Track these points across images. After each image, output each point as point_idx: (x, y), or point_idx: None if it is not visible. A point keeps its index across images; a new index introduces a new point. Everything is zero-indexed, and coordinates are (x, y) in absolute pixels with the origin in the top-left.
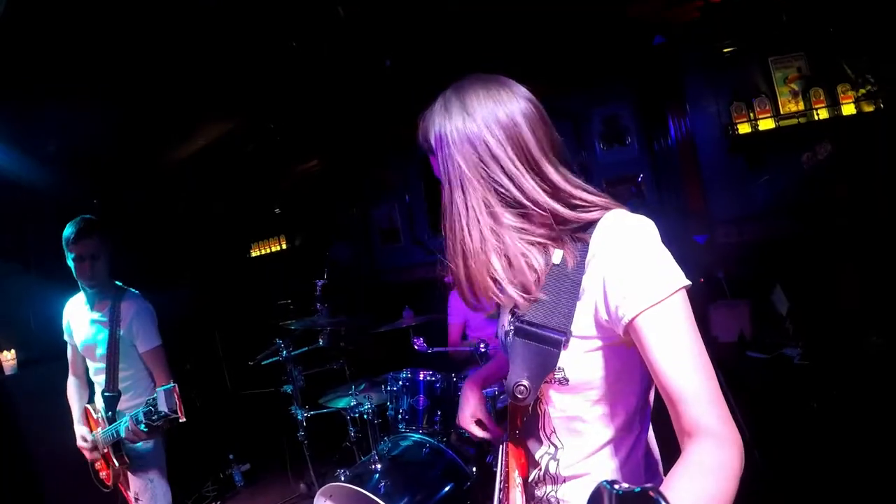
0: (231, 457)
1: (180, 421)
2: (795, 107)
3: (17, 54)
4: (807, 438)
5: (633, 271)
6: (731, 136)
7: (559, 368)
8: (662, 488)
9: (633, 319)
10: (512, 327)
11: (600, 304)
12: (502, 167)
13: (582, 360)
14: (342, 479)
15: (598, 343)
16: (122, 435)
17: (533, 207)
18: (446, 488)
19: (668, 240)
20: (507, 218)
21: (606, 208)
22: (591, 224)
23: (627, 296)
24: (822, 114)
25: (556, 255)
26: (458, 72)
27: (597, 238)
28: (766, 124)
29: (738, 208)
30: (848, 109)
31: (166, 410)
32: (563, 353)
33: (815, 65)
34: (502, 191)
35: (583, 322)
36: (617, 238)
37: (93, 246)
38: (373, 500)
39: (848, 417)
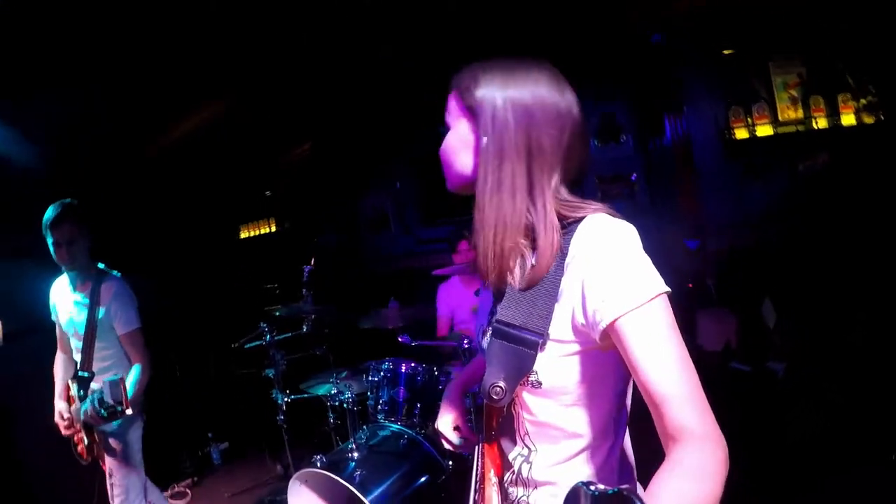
0: (210, 435)
1: (126, 412)
2: (794, 114)
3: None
4: (785, 453)
5: (612, 275)
6: (727, 140)
7: (534, 371)
8: (645, 492)
9: (611, 323)
10: (490, 328)
11: (577, 307)
12: (527, 153)
13: (556, 364)
14: (318, 465)
15: (574, 347)
16: (81, 417)
17: (512, 199)
18: (421, 480)
19: (659, 243)
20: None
21: (585, 214)
22: (571, 227)
23: (606, 300)
24: (822, 123)
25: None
26: (452, 65)
27: (576, 241)
28: (764, 130)
29: (731, 214)
30: (848, 120)
31: (111, 402)
32: (539, 356)
33: (815, 72)
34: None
35: (560, 325)
36: (596, 241)
37: (69, 231)
38: (347, 488)
39: (830, 434)
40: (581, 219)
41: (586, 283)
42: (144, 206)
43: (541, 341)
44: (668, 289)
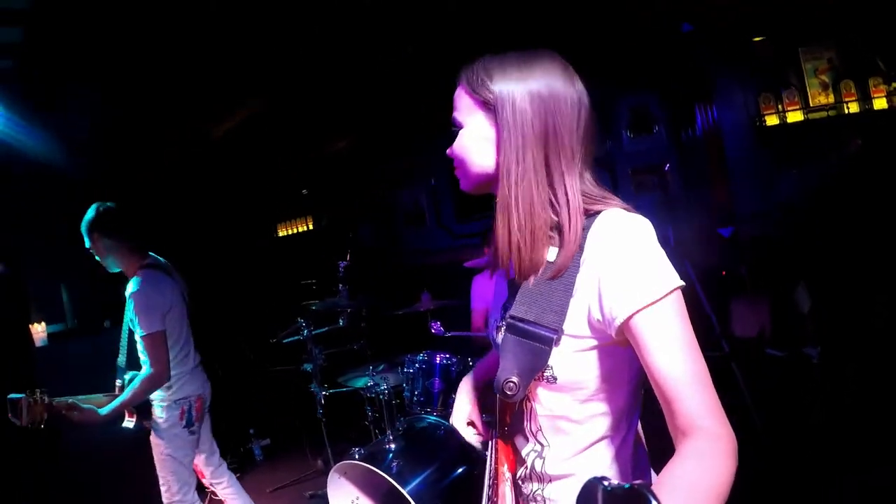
0: (251, 431)
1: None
2: (825, 99)
3: (46, 39)
4: (817, 436)
5: (627, 271)
6: (758, 127)
7: (548, 366)
8: (655, 485)
9: (627, 320)
10: (504, 324)
11: (594, 303)
12: (545, 150)
13: (571, 360)
14: (356, 457)
15: (589, 343)
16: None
17: (538, 190)
18: (458, 470)
19: (692, 232)
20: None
21: (602, 209)
22: (587, 222)
23: (621, 296)
24: (853, 107)
25: (551, 253)
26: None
27: (592, 236)
28: (795, 116)
29: (763, 202)
30: (879, 104)
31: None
32: (554, 351)
33: (846, 57)
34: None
35: (575, 321)
36: (612, 237)
37: (89, 239)
38: (385, 479)
39: (860, 417)
40: (597, 214)
41: (602, 279)
42: (184, 206)
43: (556, 337)
44: (683, 283)
